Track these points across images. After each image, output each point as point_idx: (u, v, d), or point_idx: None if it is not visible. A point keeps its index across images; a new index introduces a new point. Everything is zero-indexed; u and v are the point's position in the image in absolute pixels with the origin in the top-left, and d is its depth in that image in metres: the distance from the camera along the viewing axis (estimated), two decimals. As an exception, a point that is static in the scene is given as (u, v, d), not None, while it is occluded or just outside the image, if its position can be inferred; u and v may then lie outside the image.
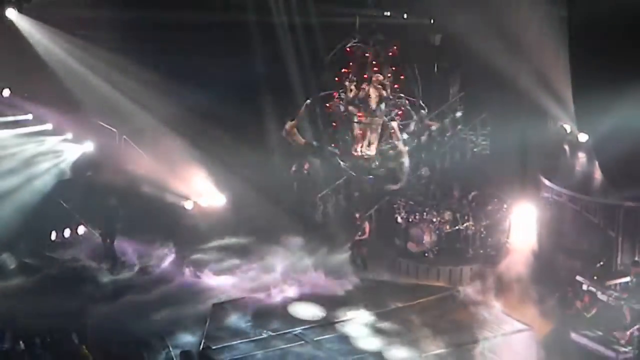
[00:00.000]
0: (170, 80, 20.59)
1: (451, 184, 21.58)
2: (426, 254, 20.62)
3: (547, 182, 19.91)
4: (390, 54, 21.31)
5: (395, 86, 20.95)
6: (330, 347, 16.95)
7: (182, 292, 19.06)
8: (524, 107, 20.26)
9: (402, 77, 21.10)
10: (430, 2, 21.09)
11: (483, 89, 20.94)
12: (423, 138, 22.07)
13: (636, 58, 16.89)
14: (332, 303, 18.62)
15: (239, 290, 19.23)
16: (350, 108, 21.26)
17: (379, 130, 21.26)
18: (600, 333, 16.71)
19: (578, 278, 17.97)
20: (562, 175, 20.26)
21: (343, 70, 20.86)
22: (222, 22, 21.19)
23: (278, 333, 17.43)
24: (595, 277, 17.97)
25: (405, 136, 20.99)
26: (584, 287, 17.72)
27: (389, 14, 22.23)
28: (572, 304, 17.57)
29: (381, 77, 20.16)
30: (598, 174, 19.71)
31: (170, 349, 16.47)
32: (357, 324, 17.84)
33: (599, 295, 17.39)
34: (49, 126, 21.21)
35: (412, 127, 21.68)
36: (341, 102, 21.43)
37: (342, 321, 17.91)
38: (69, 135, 21.38)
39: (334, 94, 21.58)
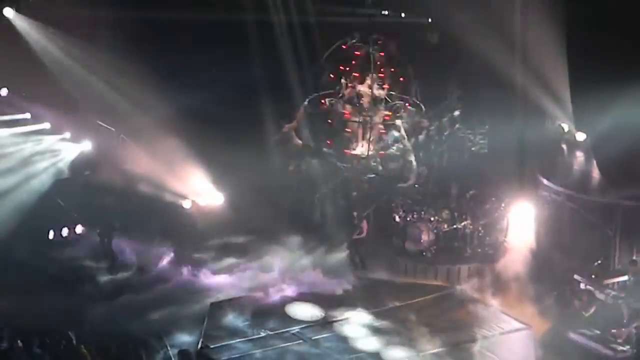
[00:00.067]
0: (168, 79, 20.57)
1: (449, 183, 21.58)
2: (424, 253, 20.62)
3: (545, 181, 19.94)
4: (388, 53, 21.30)
5: (386, 86, 20.92)
6: (328, 346, 16.96)
7: (180, 292, 19.05)
8: (522, 106, 20.26)
9: (400, 77, 21.08)
10: (428, 1, 21.08)
11: (481, 88, 20.94)
12: (421, 137, 22.07)
13: (634, 58, 16.92)
14: (330, 302, 18.62)
15: (237, 290, 19.23)
16: (346, 107, 21.26)
17: (376, 130, 21.21)
18: (598, 332, 16.74)
19: (576, 277, 18.02)
20: (560, 174, 20.28)
21: (340, 69, 20.84)
22: (220, 21, 21.16)
23: (276, 332, 17.43)
24: (593, 276, 18.02)
25: (396, 134, 20.92)
26: (582, 285, 17.77)
27: (386, 12, 22.20)
28: (570, 303, 17.61)
29: (375, 77, 20.14)
30: (596, 173, 19.74)
31: (169, 348, 16.47)
32: (355, 323, 17.84)
33: (597, 294, 17.44)
34: (46, 125, 21.18)
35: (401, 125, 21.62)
36: (338, 101, 21.41)
37: (340, 320, 17.90)
38: (67, 135, 21.35)
39: (333, 93, 21.56)
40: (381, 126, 19.96)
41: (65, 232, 20.78)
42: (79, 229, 20.98)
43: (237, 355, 16.59)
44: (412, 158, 19.28)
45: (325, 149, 19.74)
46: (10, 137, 20.70)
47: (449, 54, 21.32)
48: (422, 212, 20.92)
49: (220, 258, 20.38)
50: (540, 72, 19.66)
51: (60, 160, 21.40)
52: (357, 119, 21.04)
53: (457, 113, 22.65)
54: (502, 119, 20.56)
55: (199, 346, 16.57)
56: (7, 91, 20.57)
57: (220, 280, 19.61)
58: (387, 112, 20.98)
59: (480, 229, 20.79)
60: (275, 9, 21.94)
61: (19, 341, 15.53)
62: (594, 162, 19.74)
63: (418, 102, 21.05)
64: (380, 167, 18.42)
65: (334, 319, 17.96)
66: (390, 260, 20.67)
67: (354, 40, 20.37)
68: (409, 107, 20.89)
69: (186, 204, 21.55)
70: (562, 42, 19.05)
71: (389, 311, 18.45)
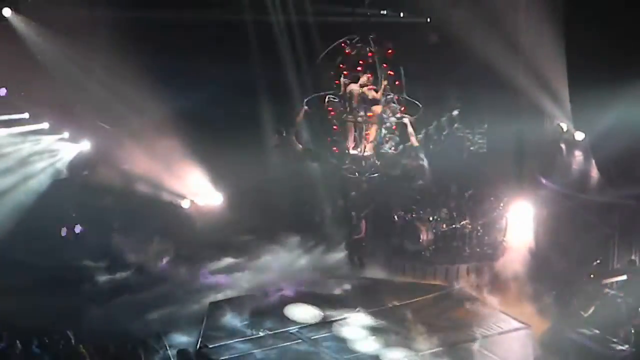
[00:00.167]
0: (167, 79, 20.54)
1: (448, 183, 21.58)
2: (423, 253, 20.63)
3: (543, 181, 19.94)
4: (385, 52, 21.26)
5: (383, 85, 20.87)
6: (327, 345, 16.95)
7: (179, 292, 19.05)
8: (521, 106, 20.26)
9: (396, 77, 21.03)
10: (426, 0, 21.07)
11: (480, 87, 20.92)
12: (419, 136, 22.04)
13: (633, 57, 16.93)
14: (329, 302, 18.62)
15: (236, 290, 19.24)
16: (345, 107, 21.22)
17: (373, 130, 21.14)
18: (597, 331, 16.73)
19: (575, 276, 18.02)
20: (559, 173, 20.28)
21: (338, 69, 20.79)
22: (219, 21, 21.14)
23: (275, 332, 17.43)
24: (592, 276, 18.00)
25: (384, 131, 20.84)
26: (581, 285, 17.77)
27: (385, 12, 22.17)
28: (569, 302, 17.60)
29: (369, 76, 20.10)
30: (595, 173, 19.72)
31: (167, 348, 16.46)
32: (354, 322, 17.84)
33: (596, 293, 17.42)
34: (45, 125, 21.14)
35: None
36: (336, 101, 21.36)
37: (339, 320, 17.90)
38: (66, 135, 21.32)
39: (331, 93, 21.52)
40: (387, 125, 19.85)
41: (64, 232, 20.78)
42: (77, 228, 20.99)
43: (236, 355, 16.58)
44: (423, 155, 19.22)
45: (325, 152, 19.67)
46: (8, 137, 20.64)
47: (448, 53, 21.29)
48: (421, 212, 20.93)
49: (219, 258, 20.39)
50: (539, 71, 19.65)
51: (58, 160, 21.36)
52: (356, 119, 21.00)
53: (455, 112, 22.65)
54: (501, 119, 20.56)
55: (198, 346, 16.54)
56: (5, 91, 20.50)
57: (219, 280, 19.60)
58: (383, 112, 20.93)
59: (479, 228, 20.81)
60: (274, 9, 21.92)
61: (17, 341, 15.51)
62: (593, 161, 19.74)
63: (414, 101, 21.00)
64: (382, 166, 18.32)
65: (333, 319, 17.95)
66: (388, 259, 20.67)
67: (353, 41, 20.32)
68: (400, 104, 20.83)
69: (185, 204, 21.55)
70: (561, 42, 19.04)
71: (387, 311, 18.45)
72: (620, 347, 16.32)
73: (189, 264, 20.07)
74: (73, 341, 15.70)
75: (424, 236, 20.60)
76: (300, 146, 19.28)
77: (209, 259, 20.31)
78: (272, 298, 18.74)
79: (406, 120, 19.10)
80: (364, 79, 19.46)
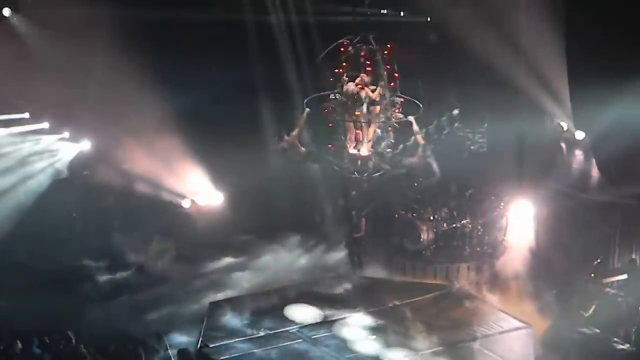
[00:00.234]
0: (167, 78, 20.54)
1: (448, 182, 21.56)
2: (423, 252, 20.63)
3: (544, 180, 19.93)
4: (385, 52, 21.23)
5: (382, 85, 20.85)
6: (327, 344, 16.95)
7: (179, 291, 19.06)
8: (521, 105, 20.26)
9: (395, 75, 21.00)
10: (427, 0, 21.07)
11: (480, 86, 20.92)
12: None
13: (633, 56, 16.92)
14: (330, 301, 18.62)
15: (236, 289, 19.23)
16: (345, 107, 21.20)
17: (372, 129, 21.12)
18: (597, 330, 16.73)
19: (575, 275, 18.01)
20: (559, 172, 20.28)
21: (337, 69, 20.78)
22: (219, 20, 21.13)
23: (275, 331, 17.43)
24: (592, 275, 18.01)
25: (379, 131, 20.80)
26: (582, 284, 17.76)
27: (385, 12, 22.17)
28: (570, 302, 17.59)
29: (369, 76, 20.08)
30: (595, 172, 19.73)
31: (168, 347, 16.46)
32: (354, 322, 17.84)
33: (597, 293, 17.42)
34: (45, 125, 21.14)
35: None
36: (336, 101, 21.34)
37: (340, 319, 17.90)
38: (66, 134, 21.32)
39: (331, 93, 21.49)
40: (387, 124, 19.82)
41: (64, 231, 20.75)
42: (77, 228, 20.98)
43: (236, 355, 16.58)
44: (430, 153, 19.19)
45: (326, 153, 19.64)
46: (8, 137, 20.64)
47: (448, 53, 21.29)
48: (421, 211, 20.92)
49: (219, 257, 20.38)
50: (539, 70, 19.65)
51: (58, 160, 21.36)
52: (356, 119, 20.98)
53: (456, 112, 22.64)
54: (501, 118, 20.55)
55: (199, 346, 16.55)
56: (5, 90, 20.49)
57: (219, 279, 19.60)
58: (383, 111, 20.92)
59: (479, 227, 20.81)
60: (274, 8, 21.91)
61: (18, 341, 15.51)
62: (594, 160, 19.74)
63: (415, 101, 20.97)
64: (388, 166, 18.27)
65: (334, 318, 17.95)
66: (389, 259, 20.67)
67: (353, 40, 20.30)
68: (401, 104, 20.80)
69: (185, 204, 21.55)
70: (561, 40, 19.04)
71: (388, 310, 18.45)
72: (620, 346, 16.33)
73: (189, 264, 20.05)
74: (74, 341, 15.71)
75: (424, 235, 20.59)
76: (303, 149, 19.24)
77: (209, 258, 20.30)
78: (272, 298, 18.73)
79: (411, 118, 19.07)
80: (363, 78, 19.46)
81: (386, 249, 21.00)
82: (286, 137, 18.99)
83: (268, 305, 18.46)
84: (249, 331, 17.42)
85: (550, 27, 19.35)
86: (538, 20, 19.62)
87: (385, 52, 19.87)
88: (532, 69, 19.77)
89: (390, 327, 17.52)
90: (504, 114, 20.43)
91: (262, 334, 17.32)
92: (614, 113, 17.64)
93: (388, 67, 20.90)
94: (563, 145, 20.96)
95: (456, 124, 22.72)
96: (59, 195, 20.79)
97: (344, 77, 19.61)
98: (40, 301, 17.58)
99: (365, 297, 18.95)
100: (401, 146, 19.12)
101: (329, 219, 21.61)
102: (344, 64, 19.80)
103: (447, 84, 21.70)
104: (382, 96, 19.40)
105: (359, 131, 20.03)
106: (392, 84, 19.32)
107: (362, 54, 20.04)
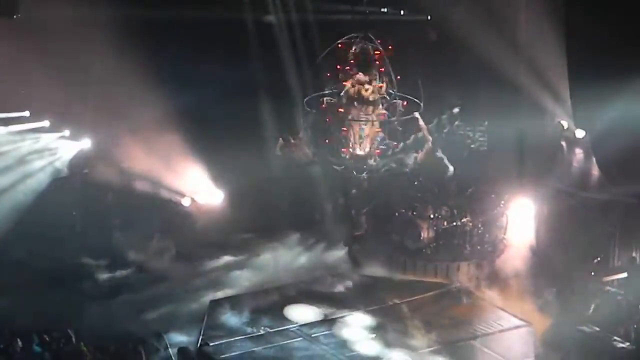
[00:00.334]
0: (167, 77, 20.55)
1: (449, 180, 21.57)
2: (423, 250, 20.62)
3: (544, 178, 19.93)
4: (386, 51, 21.25)
5: (382, 84, 20.88)
6: (327, 343, 16.94)
7: (179, 289, 19.06)
8: (521, 104, 20.27)
9: (395, 75, 21.02)
10: (427, -2, 21.13)
11: (480, 85, 20.93)
12: (419, 134, 22.04)
13: (633, 54, 16.92)
14: (330, 299, 18.60)
15: (236, 287, 19.24)
16: (345, 106, 21.21)
17: (373, 128, 21.14)
18: (597, 329, 16.73)
19: (575, 274, 18.02)
20: (560, 171, 20.30)
21: (337, 68, 20.79)
22: (219, 19, 21.14)
23: (275, 330, 17.42)
24: (592, 273, 18.02)
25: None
26: (582, 282, 17.77)
27: (385, 10, 22.18)
28: (570, 300, 17.60)
29: (369, 75, 20.09)
30: (595, 170, 19.75)
31: (168, 346, 16.46)
32: (354, 320, 17.82)
33: (597, 291, 17.43)
34: (46, 123, 21.14)
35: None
36: (336, 100, 21.36)
37: (340, 317, 17.90)
38: (66, 133, 21.33)
39: (331, 92, 21.49)
40: (389, 123, 19.82)
41: (64, 230, 20.77)
42: (78, 227, 21.00)
43: (236, 353, 16.56)
44: (439, 151, 19.21)
45: (328, 153, 19.65)
46: (7, 135, 20.64)
47: (449, 51, 21.30)
48: (422, 209, 20.91)
49: (219, 256, 20.39)
50: (539, 69, 19.67)
51: (58, 158, 21.36)
52: (356, 118, 21.00)
53: (456, 110, 22.65)
54: (501, 117, 20.56)
55: (199, 344, 16.55)
56: (5, 88, 20.49)
57: (219, 278, 19.60)
58: (383, 111, 20.93)
59: (479, 226, 20.79)
60: (274, 7, 21.92)
61: (18, 339, 15.52)
62: (594, 159, 19.75)
63: (415, 99, 21.00)
64: (393, 164, 18.29)
65: (333, 317, 17.94)
66: (389, 257, 20.66)
67: (354, 39, 20.30)
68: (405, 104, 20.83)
69: (185, 202, 21.56)
70: (562, 39, 19.05)
71: (388, 308, 18.43)
72: (621, 345, 16.33)
73: (189, 262, 20.05)
74: (74, 339, 15.73)
75: (424, 234, 20.58)
76: (309, 152, 19.23)
77: (209, 257, 20.31)
78: (272, 296, 18.73)
79: (417, 114, 19.08)
80: (364, 77, 19.47)
81: (386, 247, 20.98)
82: (292, 141, 19.02)
83: (268, 303, 18.45)
84: (248, 329, 17.40)
85: (551, 26, 19.37)
86: (538, 19, 19.64)
87: (385, 51, 19.96)
88: (532, 68, 19.78)
89: (390, 326, 17.50)
90: (505, 113, 20.44)
91: (262, 332, 17.31)
92: (614, 112, 17.67)
93: (387, 66, 21.01)
94: (563, 143, 20.99)
95: (456, 123, 22.72)
96: (59, 194, 20.81)
97: (343, 76, 19.72)
98: (40, 300, 17.60)
99: (365, 295, 18.94)
100: (402, 144, 19.17)
101: (329, 218, 21.61)
102: (343, 63, 19.88)
103: (448, 83, 21.71)
104: (380, 95, 19.48)
105: (357, 130, 20.13)
106: (391, 82, 19.36)
107: (361, 53, 20.14)
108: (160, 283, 19.29)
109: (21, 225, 19.77)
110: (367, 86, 20.17)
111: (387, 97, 20.28)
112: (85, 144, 21.39)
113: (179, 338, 16.94)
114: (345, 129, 20.88)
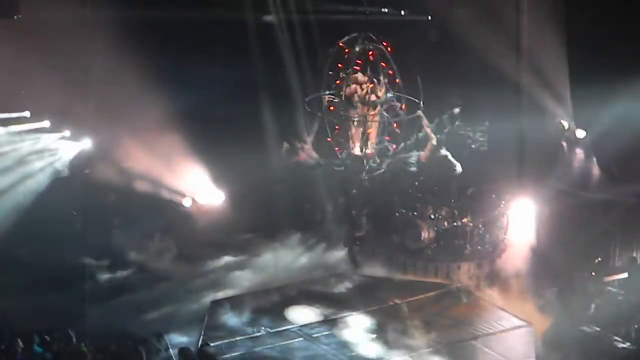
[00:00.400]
0: (168, 77, 20.55)
1: (449, 180, 21.55)
2: (424, 250, 20.62)
3: (545, 178, 19.93)
4: (386, 51, 21.23)
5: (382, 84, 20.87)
6: (328, 343, 16.95)
7: (180, 290, 19.06)
8: (522, 104, 20.25)
9: (395, 75, 21.01)
10: (428, -2, 21.13)
11: (481, 85, 20.93)
12: (420, 134, 22.03)
13: (634, 54, 16.92)
14: (330, 300, 18.63)
15: (237, 288, 19.24)
16: (346, 106, 21.19)
17: (374, 129, 21.13)
18: (598, 329, 16.73)
19: (576, 274, 18.01)
20: (560, 171, 20.28)
21: (337, 68, 20.79)
22: (219, 20, 21.13)
23: (276, 330, 17.43)
24: (593, 273, 18.01)
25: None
26: (582, 283, 17.76)
27: (386, 10, 22.17)
28: (571, 300, 17.60)
29: (369, 75, 20.07)
30: (596, 170, 19.74)
31: (169, 346, 16.46)
32: (355, 321, 17.83)
33: (597, 291, 17.42)
34: (46, 123, 21.14)
35: None
36: (337, 100, 21.33)
37: (340, 318, 17.90)
38: (67, 133, 21.32)
39: (332, 93, 21.48)
40: (389, 122, 19.79)
41: (64, 230, 20.75)
42: (78, 227, 20.98)
43: (237, 353, 16.59)
44: (444, 149, 19.16)
45: (330, 154, 19.62)
46: (7, 136, 20.63)
47: (449, 51, 21.30)
48: (422, 210, 20.91)
49: (219, 256, 20.39)
50: (540, 69, 19.66)
51: (58, 159, 21.35)
52: (357, 118, 20.98)
53: (456, 110, 22.60)
54: (502, 117, 20.56)
55: (199, 344, 16.55)
56: (5, 89, 20.49)
57: (219, 278, 19.60)
58: (383, 111, 20.92)
59: (480, 226, 20.80)
60: (275, 7, 21.92)
61: (19, 340, 15.52)
62: (594, 159, 19.74)
63: (415, 100, 21.00)
64: (385, 164, 18.23)
65: (334, 317, 17.95)
66: (390, 257, 20.66)
67: (354, 39, 20.30)
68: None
69: (186, 202, 21.55)
70: (562, 39, 19.04)
71: (389, 309, 18.45)
72: (621, 345, 16.33)
73: (190, 263, 20.05)
74: (74, 340, 15.73)
75: (425, 234, 20.59)
76: (316, 155, 19.19)
77: (209, 257, 20.31)
78: (273, 296, 18.73)
79: (419, 112, 19.05)
80: (364, 77, 19.46)
81: (387, 247, 20.99)
82: (298, 145, 18.93)
83: (268, 304, 18.47)
84: (249, 330, 17.42)
85: (551, 26, 19.35)
86: (539, 19, 19.62)
87: (385, 51, 19.95)
88: (533, 68, 19.77)
89: (391, 326, 17.51)
90: (505, 113, 20.44)
91: (262, 332, 17.33)
92: (615, 111, 17.66)
93: (387, 66, 20.99)
94: (564, 143, 20.97)
95: (457, 123, 22.66)
96: (59, 194, 20.78)
97: (346, 76, 19.71)
98: (41, 300, 17.59)
99: (366, 295, 18.96)
100: (402, 144, 19.14)
101: (329, 218, 21.60)
102: (344, 63, 19.87)
103: (448, 83, 21.69)
104: (381, 95, 19.45)
105: (358, 130, 20.12)
106: (392, 83, 19.34)
107: (362, 53, 20.14)
108: (161, 283, 19.29)
109: (22, 226, 19.76)
110: (367, 86, 20.17)
111: (388, 97, 20.29)
112: (86, 144, 21.38)
113: (180, 338, 16.95)
114: (345, 129, 20.89)
